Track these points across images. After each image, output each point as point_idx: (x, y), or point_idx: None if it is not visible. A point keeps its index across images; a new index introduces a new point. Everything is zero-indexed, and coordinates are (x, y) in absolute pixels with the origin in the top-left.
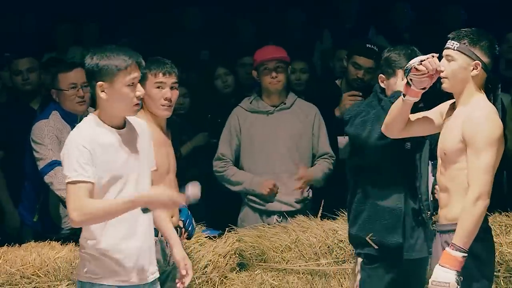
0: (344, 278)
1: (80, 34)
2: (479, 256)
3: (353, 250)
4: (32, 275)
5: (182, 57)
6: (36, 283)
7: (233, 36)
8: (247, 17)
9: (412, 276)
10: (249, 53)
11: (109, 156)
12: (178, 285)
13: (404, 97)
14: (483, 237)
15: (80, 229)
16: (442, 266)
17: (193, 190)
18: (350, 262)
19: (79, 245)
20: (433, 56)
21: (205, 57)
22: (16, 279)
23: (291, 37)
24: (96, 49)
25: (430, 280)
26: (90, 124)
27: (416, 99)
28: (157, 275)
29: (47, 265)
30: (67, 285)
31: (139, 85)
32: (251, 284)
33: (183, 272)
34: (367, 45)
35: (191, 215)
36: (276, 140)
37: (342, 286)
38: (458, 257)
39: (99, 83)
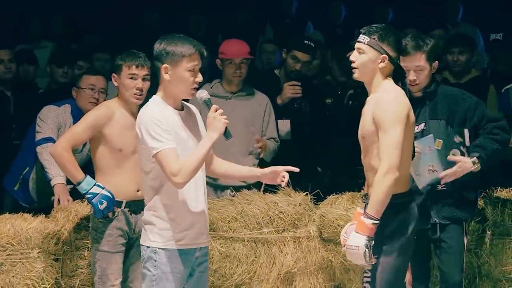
0: (284, 245)
1: (49, 26)
2: (396, 227)
3: (293, 220)
4: (6, 243)
5: (140, 49)
6: (10, 251)
7: (186, 30)
8: (200, 13)
9: None
10: None
11: (174, 133)
12: (283, 183)
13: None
14: (400, 210)
15: (48, 202)
16: (356, 232)
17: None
18: (289, 231)
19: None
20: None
21: None
22: None
23: (237, 31)
24: (166, 36)
25: (345, 244)
26: (158, 104)
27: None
28: None
29: (19, 235)
30: (38, 252)
31: (199, 72)
32: None
33: (285, 174)
34: (305, 41)
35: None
36: (232, 123)
37: (282, 252)
38: (369, 224)
39: (164, 65)
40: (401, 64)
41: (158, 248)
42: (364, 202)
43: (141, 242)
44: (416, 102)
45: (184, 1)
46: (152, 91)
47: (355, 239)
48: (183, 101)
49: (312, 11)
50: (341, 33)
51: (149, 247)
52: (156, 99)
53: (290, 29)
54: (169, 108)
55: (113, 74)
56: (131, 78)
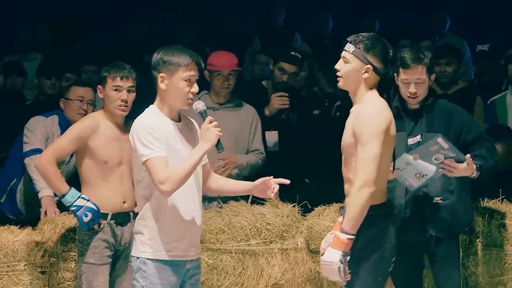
0: (271, 256)
1: (36, 37)
2: (370, 240)
3: (281, 232)
4: None
5: (128, 60)
6: None
7: (174, 42)
8: (187, 25)
9: None
10: None
11: (166, 143)
12: (272, 194)
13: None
14: (373, 223)
15: (36, 214)
16: (331, 247)
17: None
18: (277, 243)
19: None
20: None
21: (148, 60)
22: None
23: (224, 42)
24: (166, 47)
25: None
26: (153, 113)
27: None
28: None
29: (6, 248)
30: (25, 265)
31: (195, 83)
32: None
33: (275, 185)
34: (292, 52)
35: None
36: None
37: (269, 263)
38: (344, 239)
39: (161, 74)
40: (402, 76)
41: (147, 258)
42: (342, 214)
43: (132, 253)
44: (412, 114)
45: (172, 13)
46: (148, 101)
47: (330, 254)
48: (183, 114)
49: (300, 23)
50: (329, 45)
51: (138, 257)
52: (152, 108)
53: (278, 41)
54: (165, 117)
55: (98, 86)
56: (116, 90)
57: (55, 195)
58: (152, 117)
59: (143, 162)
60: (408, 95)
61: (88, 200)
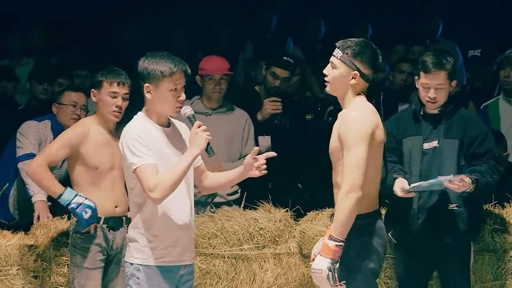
0: (264, 261)
1: (29, 42)
2: (362, 249)
3: (273, 236)
4: None
5: (120, 65)
6: None
7: (166, 47)
8: (180, 29)
9: None
10: None
11: (156, 149)
12: (258, 172)
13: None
14: (363, 232)
15: (29, 219)
16: (320, 255)
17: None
18: (269, 247)
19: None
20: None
21: None
22: None
23: (217, 47)
24: (151, 54)
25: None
26: (141, 120)
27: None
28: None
29: None
30: (17, 269)
31: (182, 91)
32: None
33: (261, 159)
34: (284, 57)
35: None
36: (212, 139)
37: (262, 268)
38: (332, 246)
39: (146, 84)
40: (422, 81)
41: (140, 265)
42: (332, 222)
43: (125, 259)
44: (431, 119)
45: (164, 18)
46: (141, 107)
47: (319, 262)
48: (172, 118)
49: (292, 28)
50: (321, 50)
51: (132, 264)
52: (139, 115)
53: (270, 46)
54: (153, 124)
55: (92, 89)
56: (112, 95)
57: (49, 199)
58: (140, 124)
59: (133, 170)
60: (427, 99)
61: (86, 198)
